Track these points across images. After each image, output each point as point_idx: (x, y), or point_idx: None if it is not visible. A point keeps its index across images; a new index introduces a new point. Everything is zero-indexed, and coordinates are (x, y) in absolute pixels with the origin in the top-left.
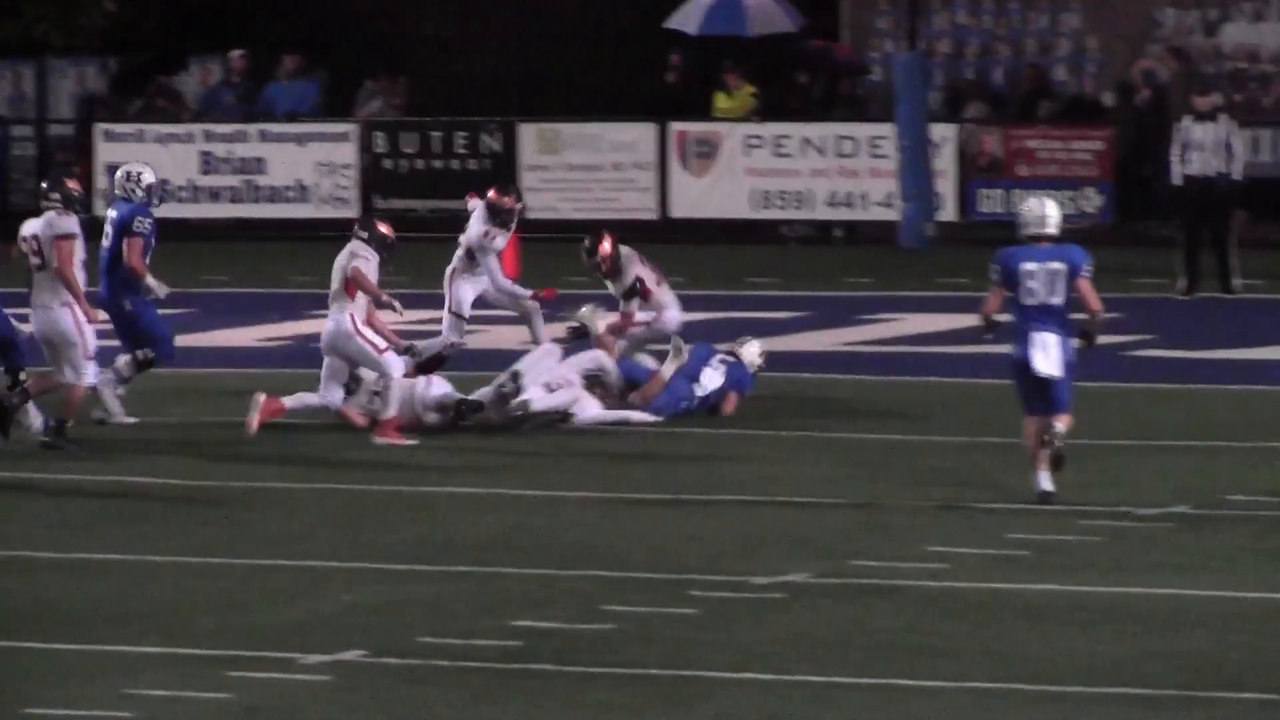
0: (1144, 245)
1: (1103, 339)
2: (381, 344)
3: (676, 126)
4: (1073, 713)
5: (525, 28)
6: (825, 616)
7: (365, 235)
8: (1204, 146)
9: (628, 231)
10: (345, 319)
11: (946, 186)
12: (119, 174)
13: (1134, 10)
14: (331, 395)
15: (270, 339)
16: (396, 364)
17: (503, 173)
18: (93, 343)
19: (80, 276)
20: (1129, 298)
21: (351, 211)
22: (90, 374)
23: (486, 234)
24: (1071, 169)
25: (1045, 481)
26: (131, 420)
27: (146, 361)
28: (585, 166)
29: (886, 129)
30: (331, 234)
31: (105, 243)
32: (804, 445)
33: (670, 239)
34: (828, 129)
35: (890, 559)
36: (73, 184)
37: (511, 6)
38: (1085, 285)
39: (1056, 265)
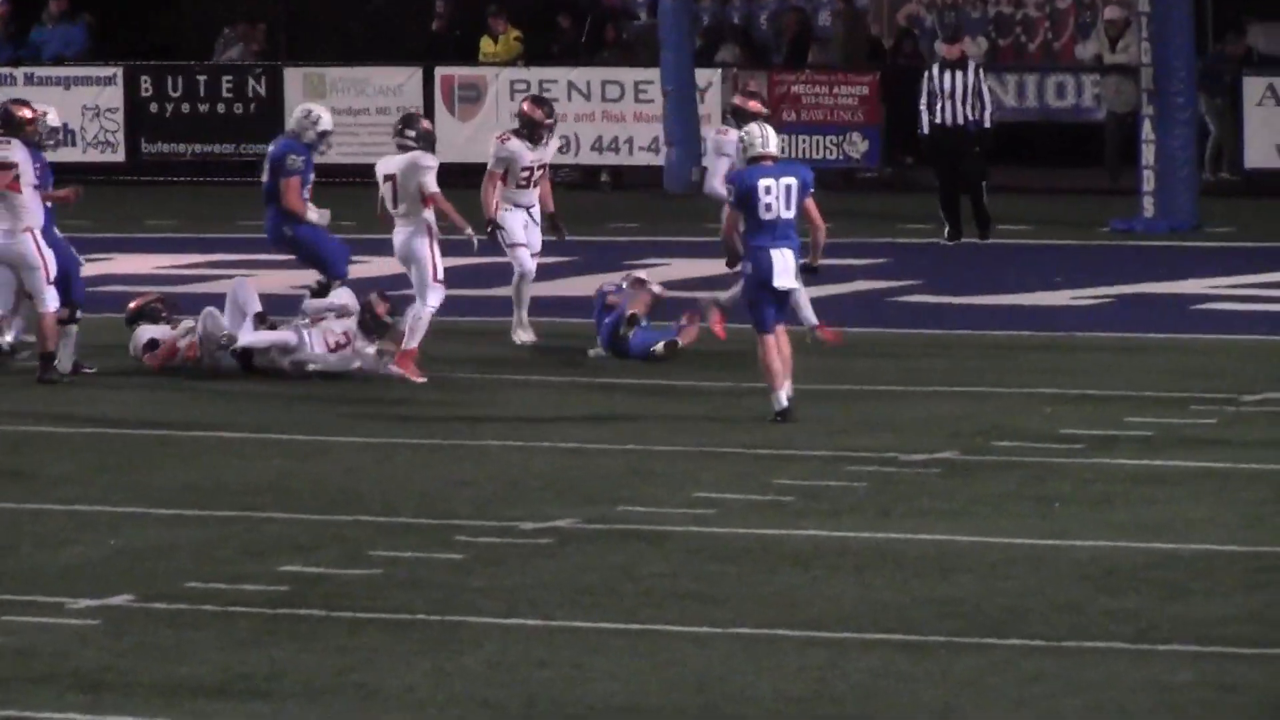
0: (911, 190)
1: (870, 285)
2: (440, 269)
3: (442, 71)
4: (840, 658)
5: None
6: (593, 562)
7: (415, 138)
8: (953, 95)
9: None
10: (422, 226)
11: (712, 131)
12: (298, 110)
13: None
14: (434, 298)
15: None
16: (438, 294)
17: (269, 116)
18: (54, 268)
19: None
20: (895, 243)
21: (118, 155)
22: (50, 300)
23: (720, 130)
24: (837, 114)
25: (786, 399)
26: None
27: (322, 287)
28: (351, 111)
29: (652, 74)
30: (98, 178)
31: (264, 177)
32: (571, 390)
33: (438, 183)
34: (593, 74)
35: (657, 505)
36: None
37: None
38: (811, 203)
39: (790, 180)
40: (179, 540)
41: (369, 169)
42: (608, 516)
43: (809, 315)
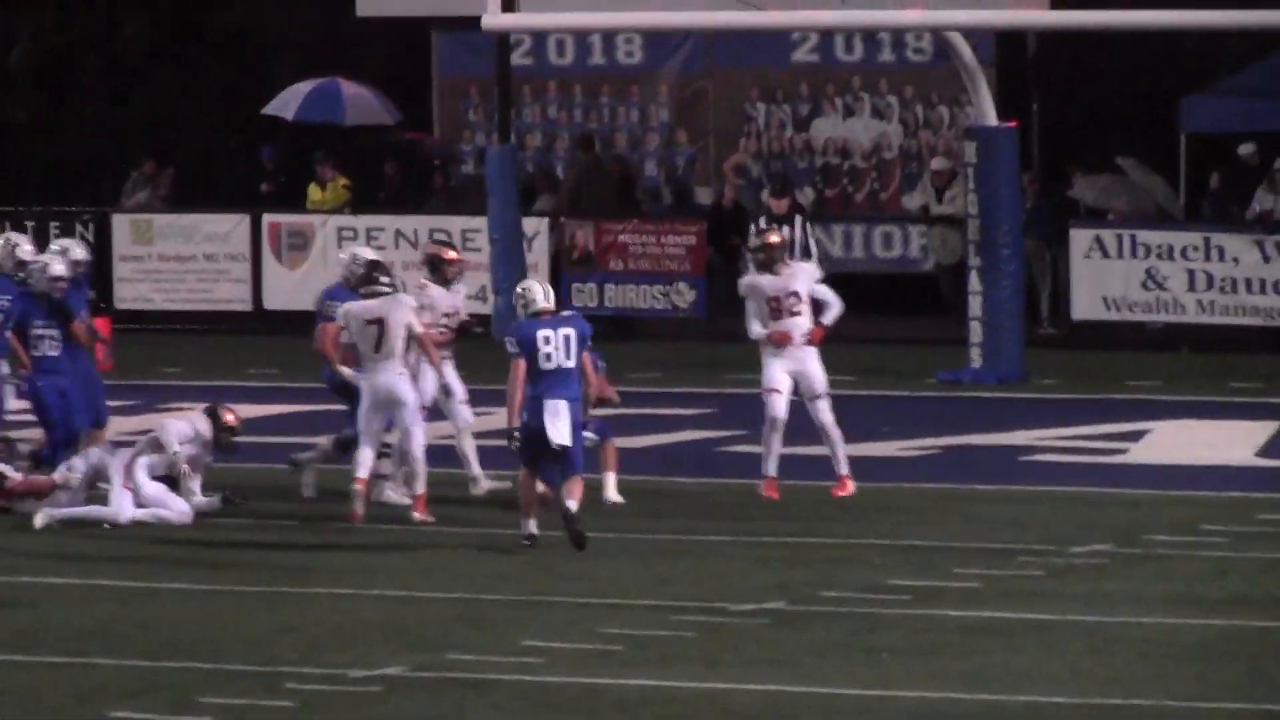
0: (737, 340)
1: (697, 434)
2: (422, 408)
3: (269, 218)
4: None
5: (119, 115)
6: (422, 710)
7: (388, 283)
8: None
9: (222, 323)
10: (402, 368)
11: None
12: (346, 255)
13: (726, 105)
14: (370, 448)
15: None
16: (423, 428)
17: (96, 262)
18: None
19: None
20: (722, 393)
21: None
22: None
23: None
24: (664, 263)
25: (534, 526)
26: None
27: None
28: (178, 257)
29: (479, 222)
30: None
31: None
32: (400, 536)
33: (263, 330)
34: (420, 221)
35: (486, 652)
36: None
37: (105, 93)
38: (587, 358)
39: (568, 330)
40: (6, 686)
41: (196, 315)
42: (436, 664)
43: (841, 465)
